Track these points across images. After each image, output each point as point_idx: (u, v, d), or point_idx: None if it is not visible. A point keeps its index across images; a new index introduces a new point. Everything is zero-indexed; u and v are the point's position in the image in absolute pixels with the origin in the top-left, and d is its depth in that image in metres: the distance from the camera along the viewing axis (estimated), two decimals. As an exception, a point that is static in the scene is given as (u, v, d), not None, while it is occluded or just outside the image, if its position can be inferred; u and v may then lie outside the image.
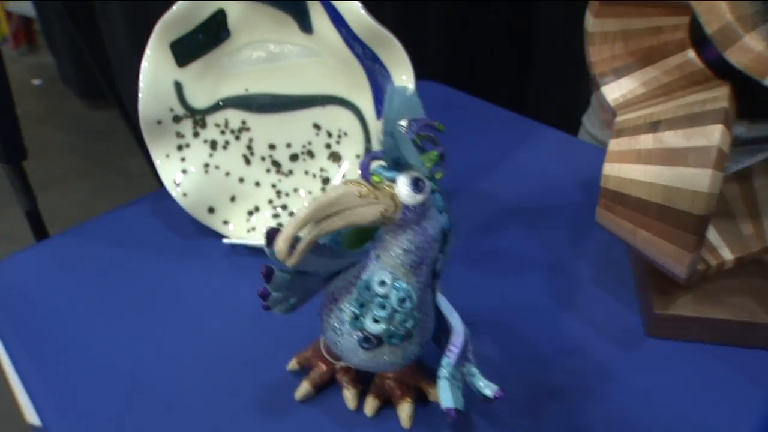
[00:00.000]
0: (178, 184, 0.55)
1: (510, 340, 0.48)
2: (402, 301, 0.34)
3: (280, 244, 0.31)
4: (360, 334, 0.35)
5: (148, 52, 0.52)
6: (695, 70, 0.46)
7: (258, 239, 0.55)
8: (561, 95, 1.53)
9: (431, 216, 0.34)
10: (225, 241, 0.55)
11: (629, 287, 0.52)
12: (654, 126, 0.41)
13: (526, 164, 0.68)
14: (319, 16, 0.51)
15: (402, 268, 0.34)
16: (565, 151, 0.72)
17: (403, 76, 0.50)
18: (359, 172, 0.33)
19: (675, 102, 0.42)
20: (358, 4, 0.49)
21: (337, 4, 0.49)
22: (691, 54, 0.46)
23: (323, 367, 0.43)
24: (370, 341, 0.35)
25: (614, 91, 0.48)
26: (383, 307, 0.35)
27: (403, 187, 0.32)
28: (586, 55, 0.49)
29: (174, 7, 0.51)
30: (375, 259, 0.35)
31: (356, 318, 0.35)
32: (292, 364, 0.44)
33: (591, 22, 0.47)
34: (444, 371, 0.35)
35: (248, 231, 0.56)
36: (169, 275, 0.54)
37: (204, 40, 0.53)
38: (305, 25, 0.52)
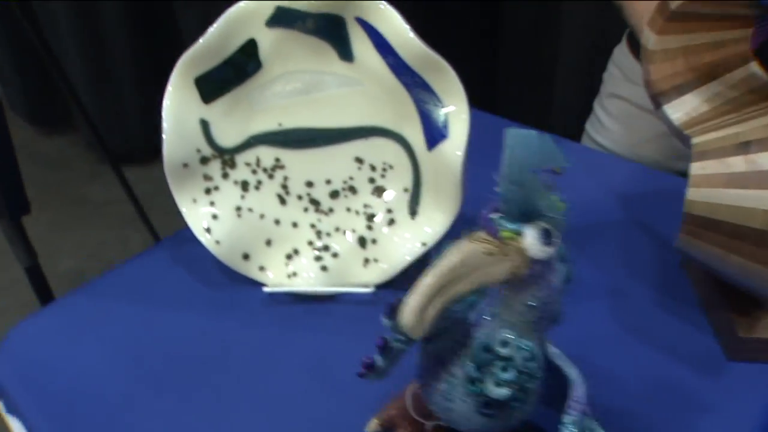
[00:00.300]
0: (208, 231, 0.50)
1: (589, 372, 0.46)
2: (527, 360, 0.31)
3: (410, 317, 0.27)
4: (478, 399, 0.32)
5: (170, 89, 0.48)
6: (762, 83, 0.44)
7: (301, 285, 0.51)
8: (530, 97, 1.54)
9: (555, 267, 0.31)
10: (265, 289, 0.51)
11: (693, 307, 0.51)
12: (743, 147, 0.39)
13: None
14: (360, 43, 0.47)
15: (524, 324, 0.31)
16: (587, 163, 0.70)
17: (453, 107, 0.47)
18: (483, 228, 0.30)
19: (760, 120, 0.40)
20: (407, 28, 0.45)
21: (383, 30, 0.46)
22: (754, 67, 0.45)
23: (409, 427, 0.40)
24: (491, 406, 0.32)
25: (677, 109, 0.46)
26: (506, 369, 0.31)
27: (532, 240, 0.29)
28: (644, 73, 0.47)
29: (200, 41, 0.46)
30: (491, 317, 0.32)
31: (473, 382, 0.32)
32: (373, 426, 0.41)
33: (653, 40, 0.45)
34: (569, 429, 0.33)
35: (289, 276, 0.52)
36: (205, 332, 0.50)
37: (233, 73, 0.48)
38: (345, 53, 0.48)
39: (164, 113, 0.48)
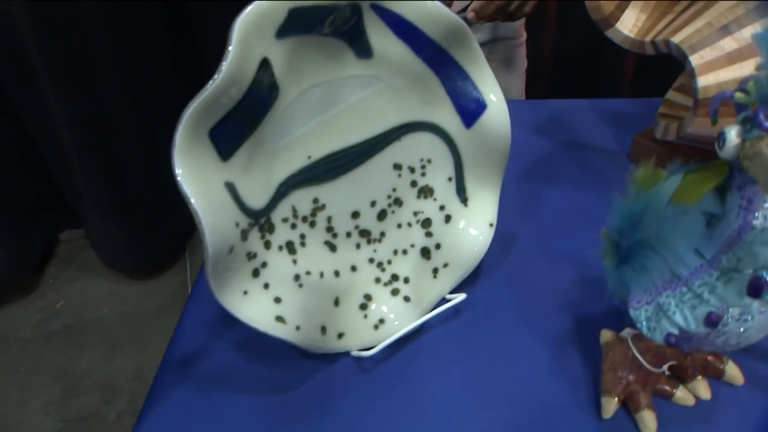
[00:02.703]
0: (282, 320, 0.38)
1: None
2: None
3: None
4: None
5: (179, 155, 0.33)
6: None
7: (391, 330, 0.43)
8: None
9: None
10: (355, 353, 0.41)
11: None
12: (725, 30, 0.47)
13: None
14: (378, 32, 0.40)
15: None
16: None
17: (480, 74, 0.44)
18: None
19: (718, 7, 0.48)
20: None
21: (403, 9, 0.40)
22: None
23: (642, 381, 0.38)
24: None
25: (625, 25, 0.52)
26: None
27: None
28: (589, 5, 0.52)
29: (216, 79, 0.33)
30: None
31: None
32: (611, 407, 0.38)
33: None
34: None
35: (375, 328, 0.43)
36: (308, 416, 0.38)
37: (252, 111, 0.36)
38: (363, 49, 0.40)
39: (188, 190, 0.33)
